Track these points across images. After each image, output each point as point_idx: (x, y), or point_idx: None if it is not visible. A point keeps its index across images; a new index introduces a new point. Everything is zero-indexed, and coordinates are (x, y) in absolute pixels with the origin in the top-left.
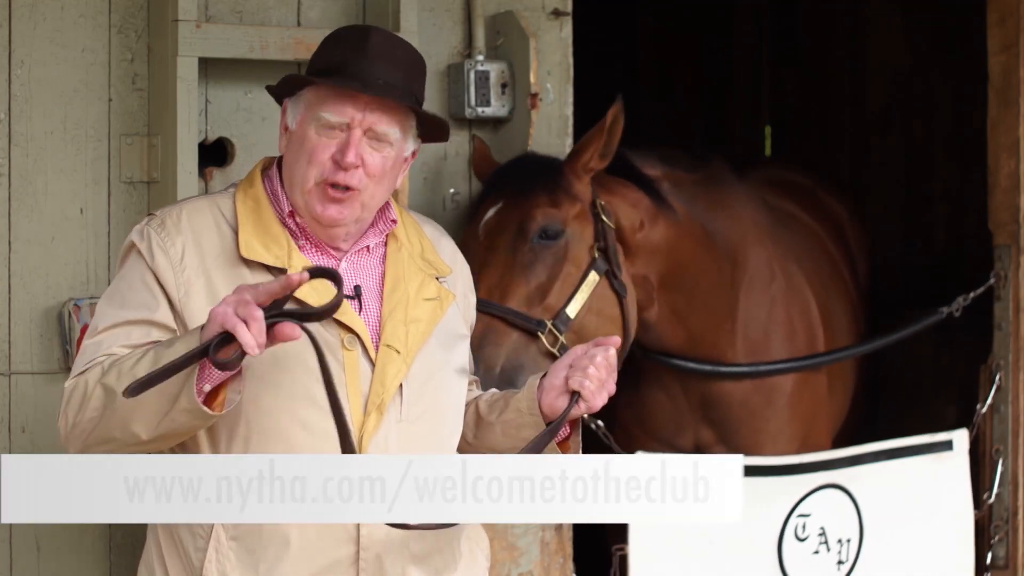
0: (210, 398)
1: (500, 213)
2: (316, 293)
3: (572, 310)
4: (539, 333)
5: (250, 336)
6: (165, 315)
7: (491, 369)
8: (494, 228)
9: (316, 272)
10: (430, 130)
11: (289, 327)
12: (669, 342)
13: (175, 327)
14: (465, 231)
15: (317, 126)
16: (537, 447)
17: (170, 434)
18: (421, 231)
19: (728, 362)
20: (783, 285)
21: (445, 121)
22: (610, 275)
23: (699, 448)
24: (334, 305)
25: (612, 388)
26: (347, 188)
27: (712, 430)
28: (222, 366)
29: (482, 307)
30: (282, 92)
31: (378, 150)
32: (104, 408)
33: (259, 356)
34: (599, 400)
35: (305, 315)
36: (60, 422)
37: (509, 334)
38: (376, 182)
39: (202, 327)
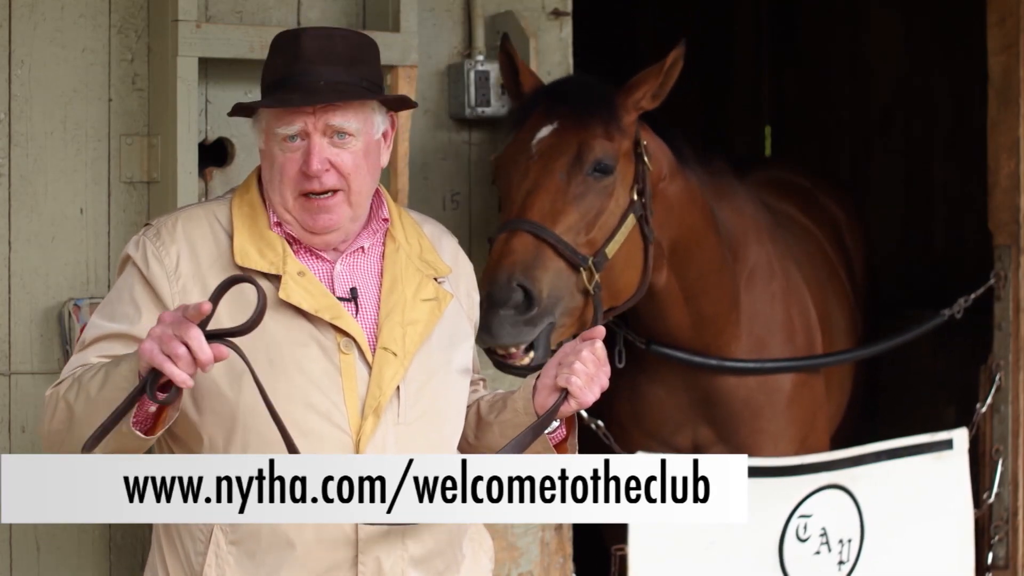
0: (155, 417)
1: (556, 135)
2: (310, 296)
3: (610, 250)
4: (581, 268)
5: (179, 372)
6: (145, 329)
7: (539, 294)
8: (549, 149)
9: (229, 283)
10: (397, 101)
11: (216, 347)
12: (675, 325)
13: None
14: (513, 142)
15: (278, 142)
16: (520, 444)
17: (119, 452)
18: (420, 231)
19: (732, 356)
20: (783, 284)
21: (403, 96)
22: (643, 220)
23: (697, 447)
24: (254, 320)
25: (604, 382)
26: (329, 192)
27: (712, 429)
28: (163, 403)
29: (535, 229)
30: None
31: (343, 146)
32: (67, 423)
33: (256, 364)
34: (588, 396)
35: (229, 332)
36: (41, 429)
37: (556, 261)
38: (355, 176)
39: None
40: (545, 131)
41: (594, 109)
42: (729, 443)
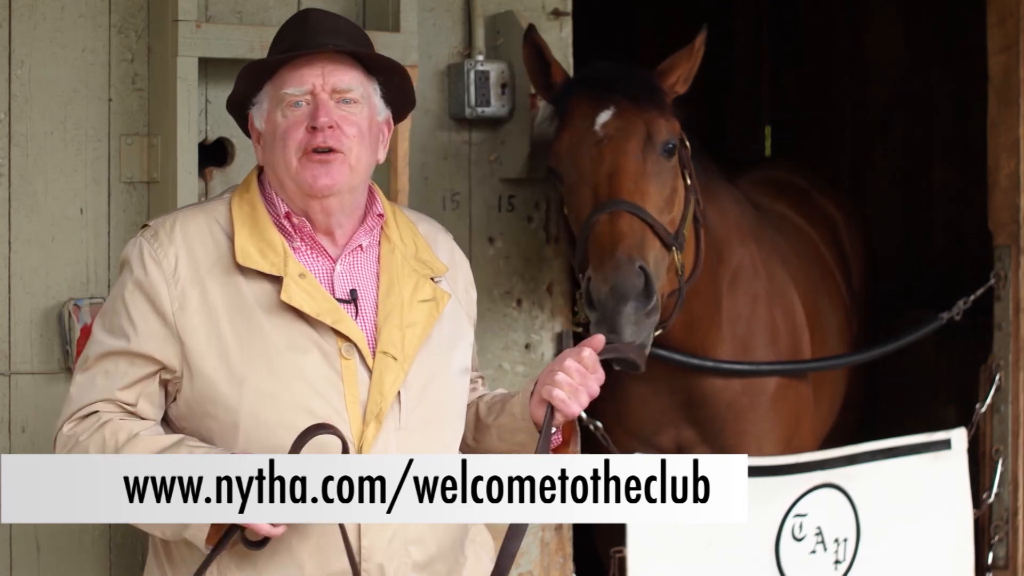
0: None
1: (620, 118)
2: (311, 299)
3: (686, 230)
4: (672, 247)
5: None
6: (142, 344)
7: (653, 275)
8: (617, 132)
9: (308, 434)
10: (397, 99)
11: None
12: (671, 326)
13: (153, 355)
14: (570, 129)
15: (283, 108)
16: None
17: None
18: (415, 230)
19: (716, 358)
20: (766, 285)
21: (397, 63)
22: (697, 204)
23: (680, 448)
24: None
25: (594, 390)
26: (330, 150)
27: (695, 430)
28: (254, 545)
29: (635, 210)
30: (241, 93)
31: (349, 111)
32: None
33: (257, 370)
34: (573, 407)
35: None
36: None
37: (656, 241)
38: (357, 143)
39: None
40: (605, 115)
41: (645, 93)
42: (713, 444)
